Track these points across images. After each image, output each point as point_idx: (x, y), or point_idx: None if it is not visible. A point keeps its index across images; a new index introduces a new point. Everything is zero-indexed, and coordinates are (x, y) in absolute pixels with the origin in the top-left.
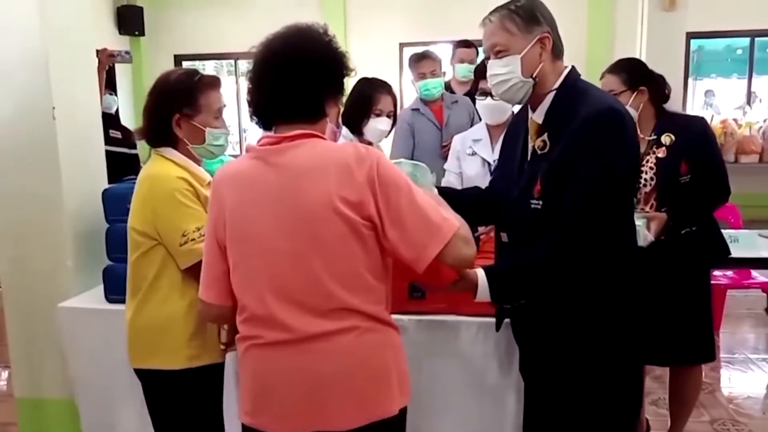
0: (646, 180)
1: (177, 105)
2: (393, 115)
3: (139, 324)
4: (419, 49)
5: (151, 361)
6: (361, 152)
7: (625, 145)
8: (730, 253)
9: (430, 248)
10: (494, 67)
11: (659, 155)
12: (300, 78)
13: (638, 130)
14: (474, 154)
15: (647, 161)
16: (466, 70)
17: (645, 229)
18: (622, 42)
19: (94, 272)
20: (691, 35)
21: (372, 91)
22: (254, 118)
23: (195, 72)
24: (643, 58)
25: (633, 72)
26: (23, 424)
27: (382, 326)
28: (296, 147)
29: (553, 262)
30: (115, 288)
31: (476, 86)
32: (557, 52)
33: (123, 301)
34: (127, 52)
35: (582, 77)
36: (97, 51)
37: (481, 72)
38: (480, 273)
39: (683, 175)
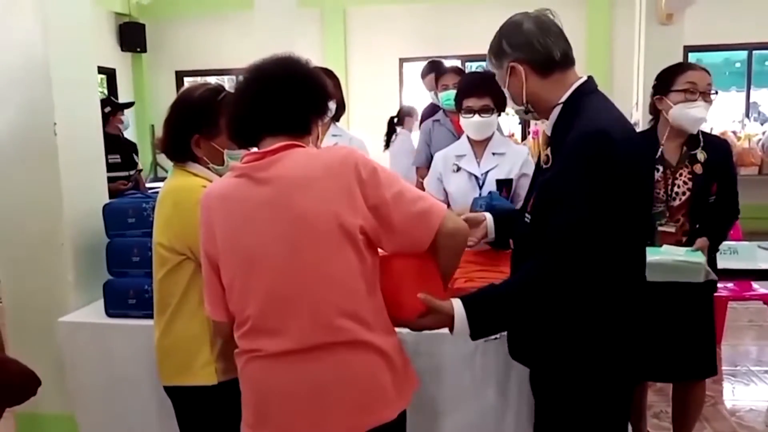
0: (677, 194)
1: (197, 125)
2: (338, 99)
3: (168, 342)
4: (420, 64)
5: (183, 379)
6: (343, 153)
7: (610, 170)
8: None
9: (424, 240)
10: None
11: (696, 171)
12: (291, 92)
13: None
14: (459, 170)
15: (680, 175)
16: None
17: (706, 264)
18: (620, 56)
19: (94, 287)
20: (688, 48)
21: None
22: (236, 136)
23: (220, 90)
24: (641, 72)
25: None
26: None
27: (378, 333)
28: (280, 159)
29: (536, 289)
30: (115, 302)
31: (461, 104)
32: (546, 67)
33: (123, 316)
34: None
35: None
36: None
37: (466, 90)
38: (456, 304)
39: (712, 194)
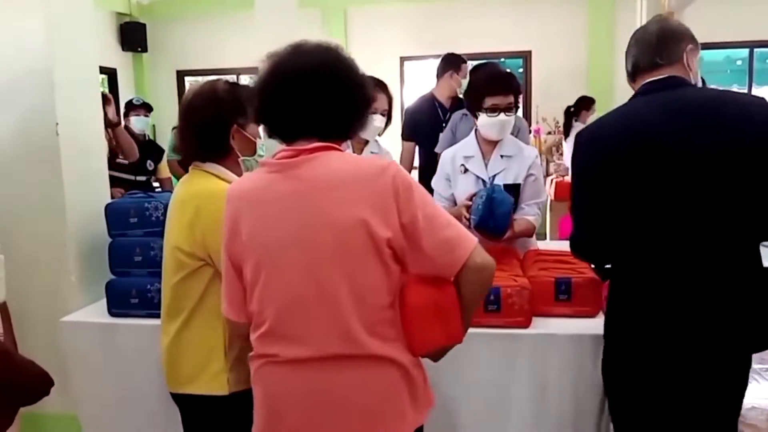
0: None
1: (233, 116)
2: (387, 113)
3: (179, 348)
4: (420, 63)
5: (193, 387)
6: (383, 164)
7: (583, 169)
8: None
9: (449, 270)
10: None
11: None
12: (338, 101)
13: None
14: (466, 171)
15: None
16: None
17: None
18: (622, 56)
19: (96, 286)
20: None
21: None
22: (271, 131)
23: (235, 82)
24: None
25: None
26: None
27: (398, 346)
28: (315, 159)
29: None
30: (118, 302)
31: (480, 102)
32: (630, 76)
33: (126, 315)
34: None
35: (639, 93)
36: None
37: (491, 87)
38: None
39: None
